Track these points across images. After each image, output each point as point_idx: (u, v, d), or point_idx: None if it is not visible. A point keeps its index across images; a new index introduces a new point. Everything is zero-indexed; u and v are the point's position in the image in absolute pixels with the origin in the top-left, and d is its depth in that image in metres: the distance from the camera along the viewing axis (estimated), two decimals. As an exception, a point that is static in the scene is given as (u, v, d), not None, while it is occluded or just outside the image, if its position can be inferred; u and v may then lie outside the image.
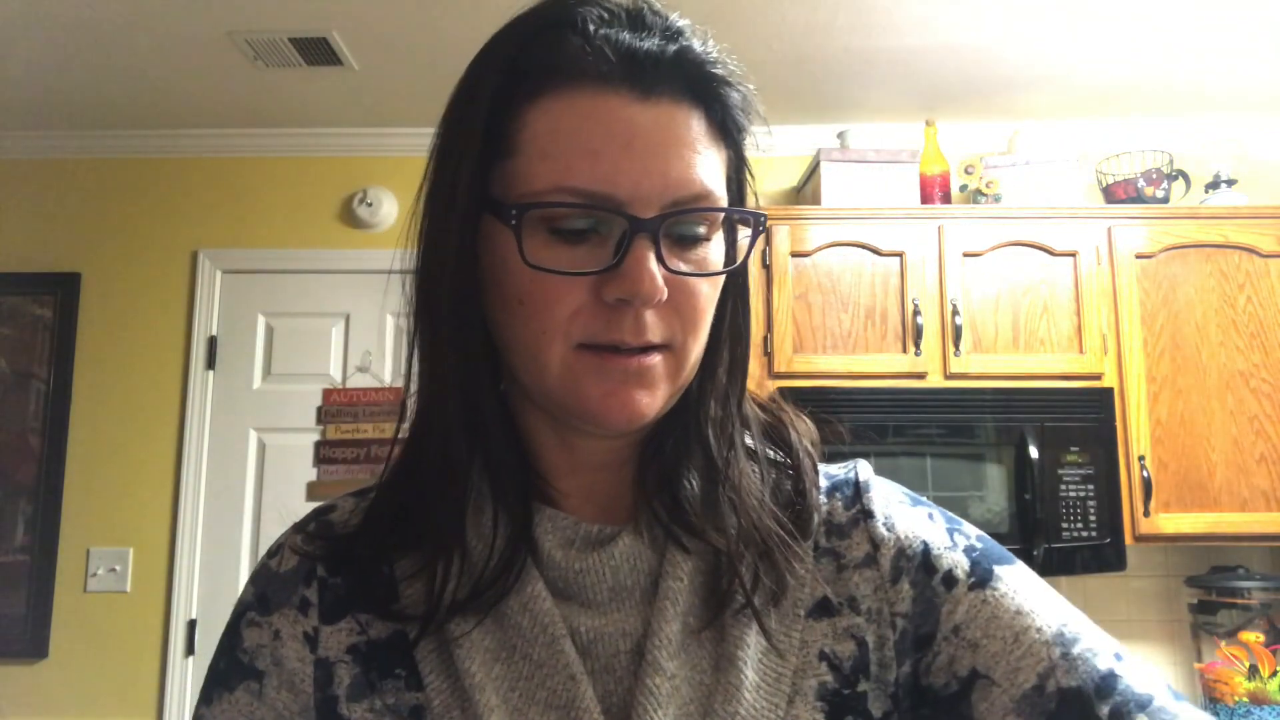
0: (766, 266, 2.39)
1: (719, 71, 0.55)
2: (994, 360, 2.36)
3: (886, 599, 0.59)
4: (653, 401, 0.55)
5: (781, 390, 2.33)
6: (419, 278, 0.58)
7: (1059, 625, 0.56)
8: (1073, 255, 2.40)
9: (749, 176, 0.60)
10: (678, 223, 0.53)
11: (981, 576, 0.59)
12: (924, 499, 0.65)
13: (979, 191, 2.56)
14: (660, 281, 0.51)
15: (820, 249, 2.41)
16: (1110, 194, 2.61)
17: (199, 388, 2.78)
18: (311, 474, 2.75)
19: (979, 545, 0.61)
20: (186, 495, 2.71)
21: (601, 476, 0.61)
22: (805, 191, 2.69)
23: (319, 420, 2.77)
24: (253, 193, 2.89)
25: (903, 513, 0.63)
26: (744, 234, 0.59)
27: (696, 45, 0.55)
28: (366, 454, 2.74)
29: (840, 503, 0.63)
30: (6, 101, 2.66)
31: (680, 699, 0.55)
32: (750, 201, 0.61)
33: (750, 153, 0.60)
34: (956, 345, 2.34)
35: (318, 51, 2.37)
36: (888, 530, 0.61)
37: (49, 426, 2.74)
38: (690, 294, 0.54)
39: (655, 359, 0.54)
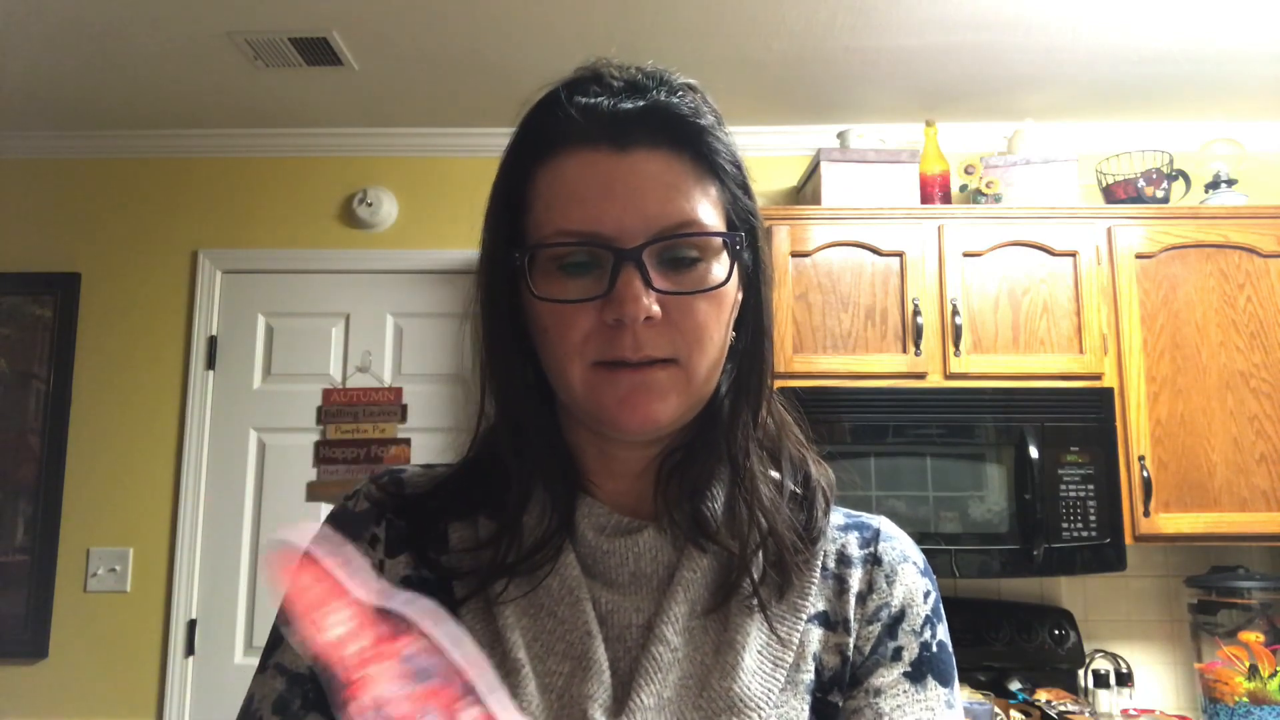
0: (766, 266, 2.39)
1: (690, 119, 0.64)
2: (994, 360, 2.36)
3: (859, 633, 0.68)
4: (664, 408, 0.63)
5: (781, 390, 2.33)
6: (483, 321, 0.68)
7: None
8: (1073, 255, 2.40)
9: (753, 211, 0.68)
10: (666, 249, 0.62)
11: (918, 673, 0.67)
12: (933, 576, 0.72)
13: (979, 191, 2.56)
14: (645, 301, 0.60)
15: (820, 249, 2.41)
16: (1110, 194, 2.61)
17: (199, 388, 2.78)
18: (311, 474, 2.75)
19: (935, 650, 0.69)
20: (186, 495, 2.71)
21: (635, 482, 0.69)
22: (805, 191, 2.69)
23: (319, 420, 2.77)
24: (253, 193, 2.89)
25: (908, 574, 0.70)
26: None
27: (662, 97, 0.64)
28: (366, 454, 2.74)
29: (855, 540, 0.71)
30: (6, 101, 2.66)
31: (680, 672, 0.62)
32: (763, 233, 0.70)
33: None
34: (956, 345, 2.34)
35: (318, 51, 2.37)
36: (887, 582, 0.69)
37: (49, 426, 2.74)
38: (687, 312, 0.62)
39: (659, 372, 0.62)
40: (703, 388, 0.65)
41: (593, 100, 0.64)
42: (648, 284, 0.60)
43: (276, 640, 0.68)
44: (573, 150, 0.63)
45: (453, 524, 0.69)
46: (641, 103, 0.64)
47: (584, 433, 0.69)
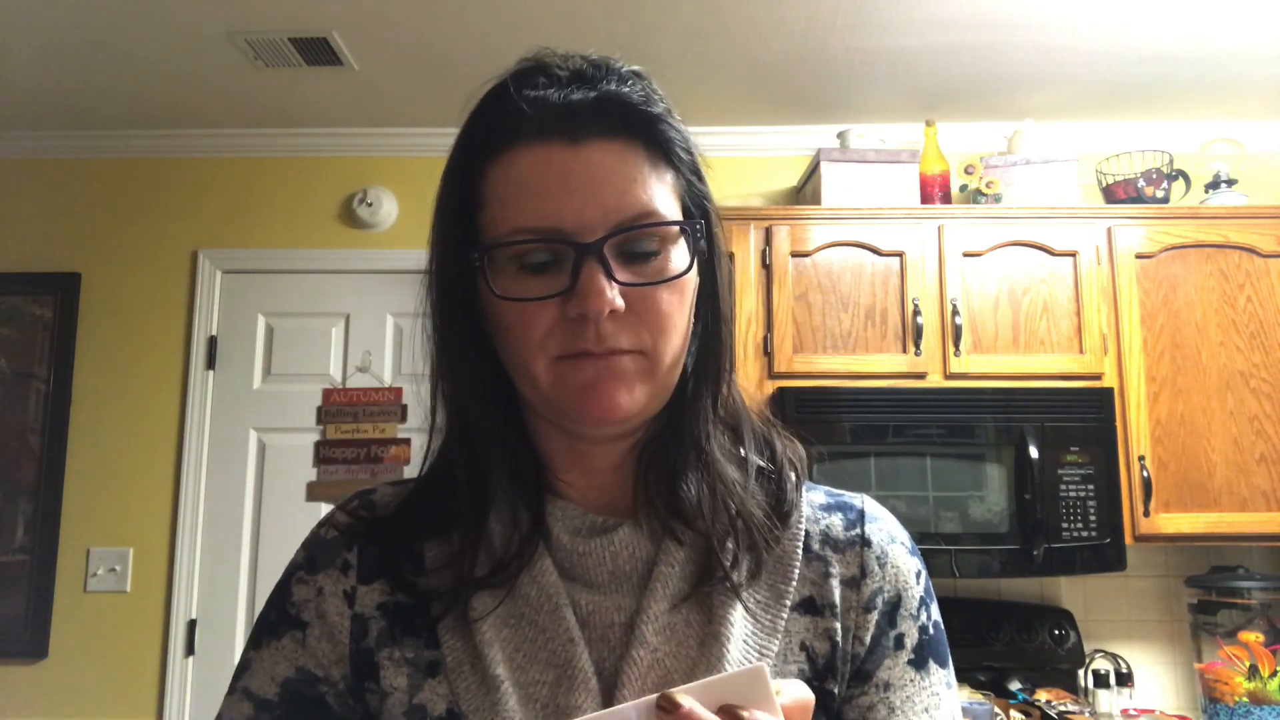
0: (766, 266, 2.39)
1: (642, 108, 0.63)
2: (994, 360, 2.36)
3: (856, 621, 0.67)
4: (629, 397, 0.61)
5: (782, 390, 2.34)
6: (434, 320, 0.67)
7: None
8: (1073, 255, 2.40)
9: (706, 195, 0.67)
10: (626, 242, 0.61)
11: (920, 659, 0.67)
12: (920, 553, 0.72)
13: (979, 191, 2.56)
14: (609, 295, 0.59)
15: (820, 249, 2.41)
16: (1110, 194, 2.61)
17: (199, 388, 2.78)
18: (311, 474, 2.75)
19: (932, 632, 0.69)
20: (186, 495, 2.71)
21: (604, 477, 0.68)
22: (805, 191, 2.69)
23: (319, 420, 2.77)
24: (253, 193, 2.89)
25: (898, 555, 0.70)
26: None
27: (613, 86, 0.63)
28: (366, 454, 2.74)
29: (840, 521, 0.70)
30: (6, 101, 2.66)
31: (664, 670, 0.62)
32: (716, 217, 0.68)
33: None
34: (956, 345, 2.34)
35: (318, 51, 2.37)
36: (879, 565, 0.69)
37: (49, 426, 2.74)
38: (651, 303, 0.61)
39: (624, 359, 0.61)
40: (668, 377, 0.64)
41: (542, 92, 0.62)
42: (610, 277, 0.59)
43: (246, 663, 0.68)
44: (526, 145, 0.62)
45: (427, 541, 0.68)
46: (593, 93, 0.63)
47: (551, 431, 0.68)
